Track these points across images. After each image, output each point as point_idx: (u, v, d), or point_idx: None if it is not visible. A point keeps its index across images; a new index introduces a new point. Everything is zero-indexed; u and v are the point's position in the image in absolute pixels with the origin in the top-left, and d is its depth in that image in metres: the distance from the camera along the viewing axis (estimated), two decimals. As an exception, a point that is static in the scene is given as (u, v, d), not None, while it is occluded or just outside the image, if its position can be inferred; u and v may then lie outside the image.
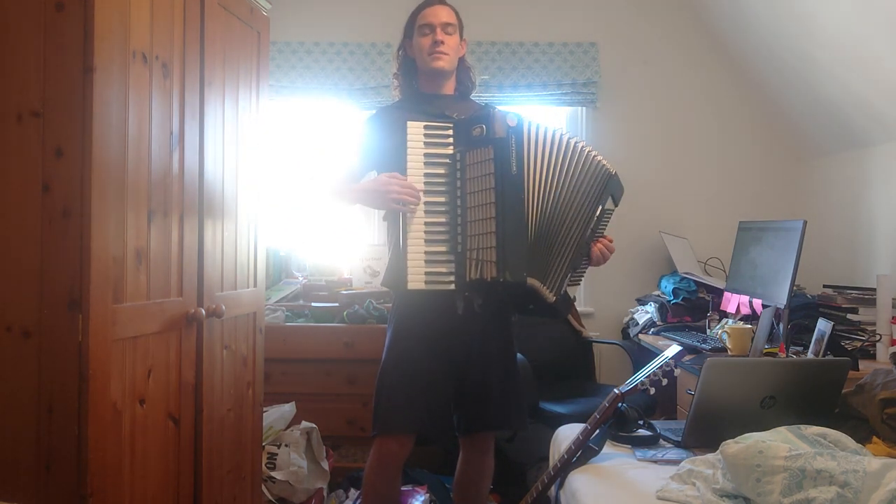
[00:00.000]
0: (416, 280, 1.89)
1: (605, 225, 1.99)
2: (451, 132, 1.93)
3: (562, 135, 1.94)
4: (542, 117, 3.69)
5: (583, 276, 2.03)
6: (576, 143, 1.95)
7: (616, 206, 2.00)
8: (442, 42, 2.08)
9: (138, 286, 1.58)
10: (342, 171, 2.13)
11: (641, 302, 3.56)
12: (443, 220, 1.91)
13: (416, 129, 1.92)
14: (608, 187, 1.95)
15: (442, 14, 2.12)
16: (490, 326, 2.09)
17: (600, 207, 1.94)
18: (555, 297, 1.92)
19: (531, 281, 1.89)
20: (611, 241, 2.01)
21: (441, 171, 1.92)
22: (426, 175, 1.92)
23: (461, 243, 1.89)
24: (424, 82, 2.17)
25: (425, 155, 1.92)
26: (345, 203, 2.11)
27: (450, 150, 1.93)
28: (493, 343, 2.10)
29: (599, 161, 1.96)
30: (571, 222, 1.93)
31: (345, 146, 2.20)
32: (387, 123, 2.07)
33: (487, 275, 1.85)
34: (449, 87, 2.17)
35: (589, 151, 1.95)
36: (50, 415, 1.39)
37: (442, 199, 1.92)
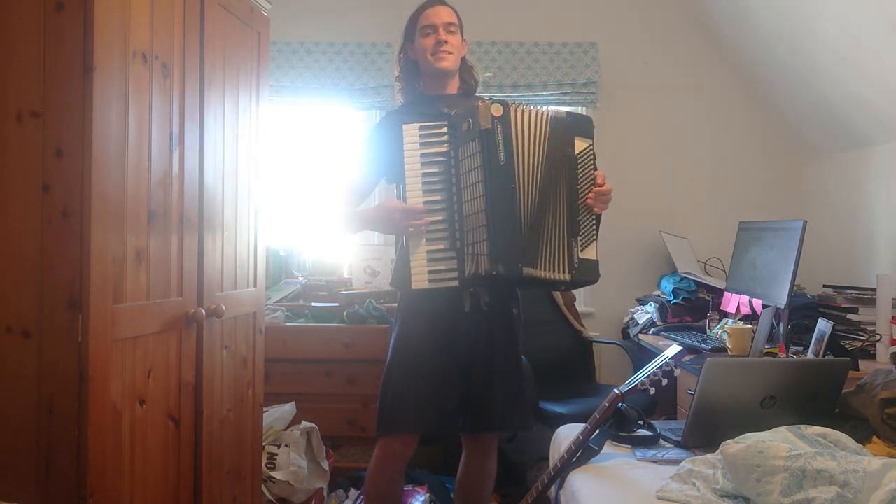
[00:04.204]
0: (420, 279, 1.89)
1: (591, 168, 1.94)
2: (445, 129, 1.92)
3: (545, 113, 1.91)
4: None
5: (595, 231, 1.96)
6: (553, 115, 1.92)
7: (591, 139, 1.95)
8: (445, 42, 2.08)
9: (138, 286, 1.58)
10: (350, 185, 2.12)
11: (641, 302, 3.56)
12: (441, 217, 1.91)
13: (411, 132, 1.92)
14: (570, 131, 1.91)
15: (443, 14, 2.12)
16: (496, 326, 2.08)
17: (573, 157, 1.90)
18: (569, 276, 1.90)
19: (527, 271, 1.86)
20: (602, 184, 1.95)
21: (437, 169, 1.92)
22: (423, 175, 1.92)
23: (459, 239, 1.89)
24: (428, 84, 2.17)
25: (421, 156, 1.92)
26: (354, 231, 2.14)
27: (445, 148, 1.92)
28: (498, 343, 2.09)
29: (555, 115, 1.92)
30: (556, 193, 1.90)
31: (351, 156, 2.21)
32: (389, 129, 2.07)
33: (482, 269, 1.84)
34: (452, 87, 2.17)
35: (553, 114, 1.92)
36: (50, 415, 1.39)
37: (439, 197, 1.92)
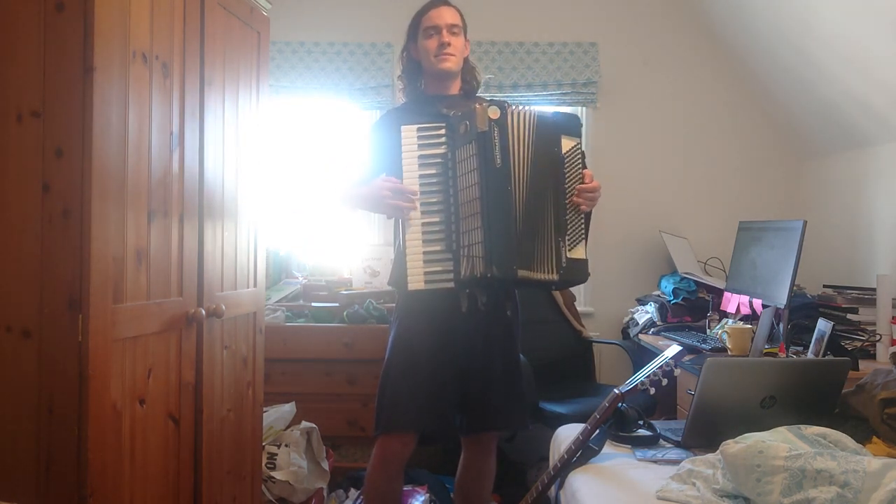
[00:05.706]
0: (416, 280, 1.89)
1: (579, 167, 1.95)
2: (443, 132, 1.93)
3: (531, 114, 1.92)
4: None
5: (583, 230, 1.96)
6: (539, 115, 1.92)
7: (579, 137, 1.95)
8: (448, 44, 2.09)
9: (138, 286, 1.58)
10: (352, 177, 2.14)
11: (641, 302, 3.56)
12: (437, 219, 1.92)
13: (409, 133, 1.93)
14: (557, 131, 1.92)
15: (447, 15, 2.12)
16: (493, 325, 2.08)
17: (560, 156, 1.91)
18: (557, 276, 1.91)
19: (522, 273, 1.88)
20: (589, 181, 1.95)
21: (434, 171, 1.93)
22: (421, 177, 1.92)
23: (455, 241, 1.89)
24: (430, 84, 2.18)
25: (419, 157, 1.93)
26: (348, 208, 2.20)
27: (443, 150, 1.93)
28: (496, 342, 2.09)
29: (541, 115, 1.92)
30: (545, 193, 1.91)
31: (354, 151, 2.23)
32: (389, 127, 2.08)
33: (477, 271, 1.85)
34: (454, 88, 2.18)
35: (539, 114, 1.93)
36: (50, 415, 1.39)
37: (436, 199, 1.92)
